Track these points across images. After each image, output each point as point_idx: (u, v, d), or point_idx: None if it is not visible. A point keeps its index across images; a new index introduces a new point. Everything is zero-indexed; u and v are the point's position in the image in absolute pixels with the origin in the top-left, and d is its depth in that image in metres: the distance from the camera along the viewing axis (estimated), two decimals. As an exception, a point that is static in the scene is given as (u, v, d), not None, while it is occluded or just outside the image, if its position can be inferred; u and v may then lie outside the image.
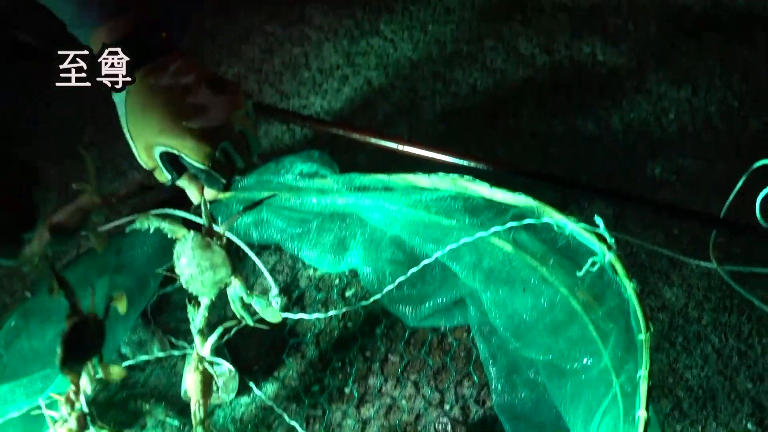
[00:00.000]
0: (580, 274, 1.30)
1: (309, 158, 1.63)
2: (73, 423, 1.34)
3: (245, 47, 2.22)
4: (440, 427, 1.45)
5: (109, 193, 1.26)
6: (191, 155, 1.32)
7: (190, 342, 1.64)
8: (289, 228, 1.67)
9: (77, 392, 1.32)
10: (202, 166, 1.34)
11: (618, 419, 1.18)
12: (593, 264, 1.28)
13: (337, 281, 1.71)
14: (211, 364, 1.42)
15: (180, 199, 1.51)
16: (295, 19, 2.26)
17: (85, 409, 1.34)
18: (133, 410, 1.40)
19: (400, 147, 1.72)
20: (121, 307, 1.40)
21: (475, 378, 1.52)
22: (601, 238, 1.27)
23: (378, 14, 2.23)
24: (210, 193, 1.45)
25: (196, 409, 1.42)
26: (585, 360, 1.32)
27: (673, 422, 1.45)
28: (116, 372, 1.38)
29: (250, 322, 1.40)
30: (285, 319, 1.60)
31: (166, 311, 1.53)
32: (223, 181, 1.40)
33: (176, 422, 1.53)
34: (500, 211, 1.42)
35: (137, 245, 1.30)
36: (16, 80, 2.01)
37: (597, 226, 1.27)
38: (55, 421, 1.34)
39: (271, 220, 1.68)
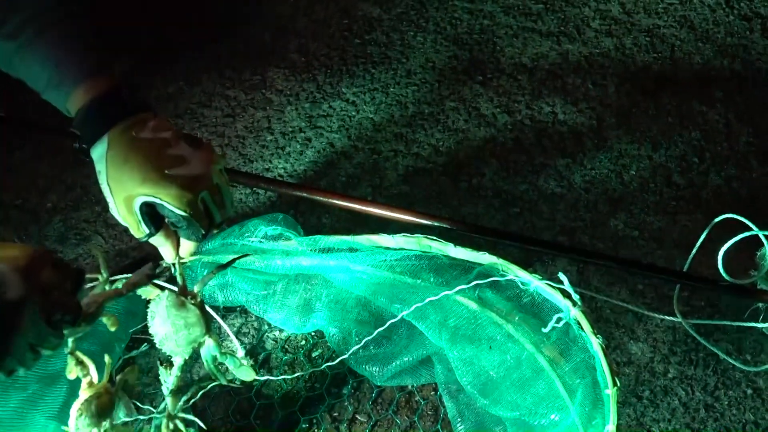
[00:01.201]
0: (546, 330, 1.31)
1: (273, 221, 1.63)
2: None
3: (207, 111, 2.23)
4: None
5: (124, 284, 1.27)
6: (173, 202, 1.32)
7: (156, 406, 1.63)
8: (254, 290, 1.66)
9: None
10: (183, 213, 1.33)
11: (588, 474, 1.18)
12: (559, 320, 1.29)
13: (303, 342, 1.71)
14: (185, 423, 1.41)
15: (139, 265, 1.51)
16: (257, 83, 2.28)
17: None
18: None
19: (364, 208, 1.73)
20: (131, 378, 1.46)
21: (444, 436, 1.52)
22: (566, 295, 1.28)
23: (339, 77, 2.25)
24: (184, 250, 1.45)
25: None
26: (552, 416, 1.32)
27: (641, 476, 1.45)
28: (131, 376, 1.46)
29: (223, 381, 1.39)
30: (252, 382, 1.59)
31: (126, 389, 1.52)
32: (203, 231, 1.40)
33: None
34: (465, 269, 1.43)
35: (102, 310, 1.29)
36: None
37: (561, 282, 1.28)
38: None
39: (236, 283, 1.68)
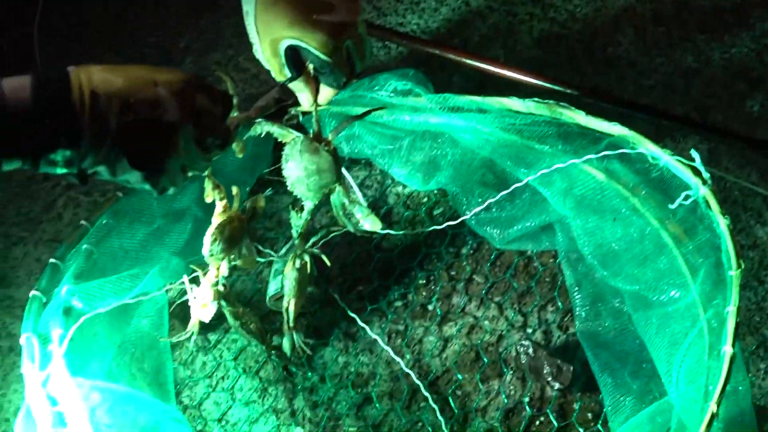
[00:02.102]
0: (672, 206, 1.29)
1: (404, 76, 1.62)
2: (209, 297, 1.41)
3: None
4: (521, 349, 1.44)
5: (253, 108, 1.28)
6: (319, 48, 1.32)
7: (277, 250, 1.66)
8: (380, 144, 1.67)
9: (217, 275, 1.41)
10: (328, 60, 1.33)
11: (703, 353, 1.17)
12: (686, 197, 1.27)
13: (425, 199, 1.71)
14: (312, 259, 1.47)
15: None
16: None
17: (221, 288, 1.42)
18: (218, 312, 1.43)
19: (496, 69, 1.71)
20: (260, 205, 1.48)
21: (560, 304, 1.51)
22: (696, 172, 1.26)
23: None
24: (322, 97, 1.45)
25: (288, 307, 1.47)
26: (672, 292, 1.31)
27: (757, 360, 1.43)
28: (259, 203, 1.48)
29: (351, 228, 1.40)
30: (373, 234, 1.61)
31: (254, 219, 1.53)
32: (344, 78, 1.40)
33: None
34: (594, 139, 1.41)
35: (228, 153, 1.30)
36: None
37: (692, 159, 1.25)
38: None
39: (363, 135, 1.68)
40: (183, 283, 1.43)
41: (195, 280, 1.42)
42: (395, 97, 1.61)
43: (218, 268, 1.40)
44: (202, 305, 1.41)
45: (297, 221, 1.44)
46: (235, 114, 1.23)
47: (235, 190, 1.41)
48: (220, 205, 1.40)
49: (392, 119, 1.60)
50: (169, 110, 1.05)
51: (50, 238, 1.85)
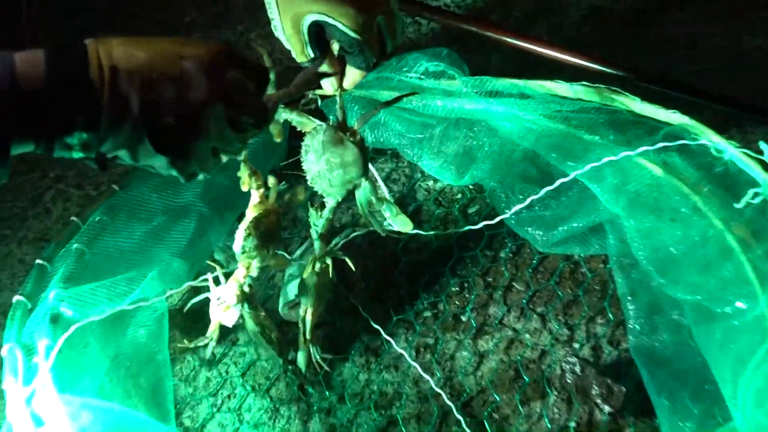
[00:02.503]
0: (738, 206, 1.28)
1: (436, 56, 1.62)
2: (233, 299, 1.39)
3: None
4: (567, 367, 1.44)
5: (293, 84, 1.27)
6: (348, 23, 1.31)
7: (292, 252, 1.65)
8: (409, 132, 1.66)
9: (245, 275, 1.40)
10: (357, 37, 1.33)
11: (773, 373, 1.16)
12: (755, 195, 1.25)
13: (459, 196, 1.71)
14: (333, 261, 1.46)
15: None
16: None
17: (246, 290, 1.41)
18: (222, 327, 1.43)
19: (539, 49, 1.70)
20: (297, 199, 1.51)
21: (611, 315, 1.50)
22: (766, 167, 1.24)
23: None
24: (348, 81, 1.44)
25: (305, 316, 1.47)
26: (739, 303, 1.29)
27: (834, 381, 1.42)
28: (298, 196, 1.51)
29: (379, 229, 1.39)
30: (399, 236, 1.60)
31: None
32: (374, 59, 1.39)
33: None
34: (650, 129, 1.40)
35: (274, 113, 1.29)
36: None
37: (761, 152, 1.24)
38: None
39: (389, 123, 1.68)
40: (184, 288, 1.44)
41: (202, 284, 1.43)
42: (426, 79, 1.60)
43: (248, 267, 1.39)
44: (225, 308, 1.40)
45: (317, 220, 1.42)
46: (271, 91, 1.22)
47: (272, 180, 1.40)
48: (256, 195, 1.40)
49: (422, 105, 1.60)
50: (196, 87, 1.04)
51: (37, 236, 1.85)
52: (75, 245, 1.49)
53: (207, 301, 1.42)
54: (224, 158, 1.16)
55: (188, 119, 1.05)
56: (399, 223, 1.38)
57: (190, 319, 1.48)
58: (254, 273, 1.40)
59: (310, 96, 1.60)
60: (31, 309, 1.40)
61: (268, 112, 1.17)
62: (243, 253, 1.38)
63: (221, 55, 1.08)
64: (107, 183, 1.58)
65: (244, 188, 1.38)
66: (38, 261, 1.47)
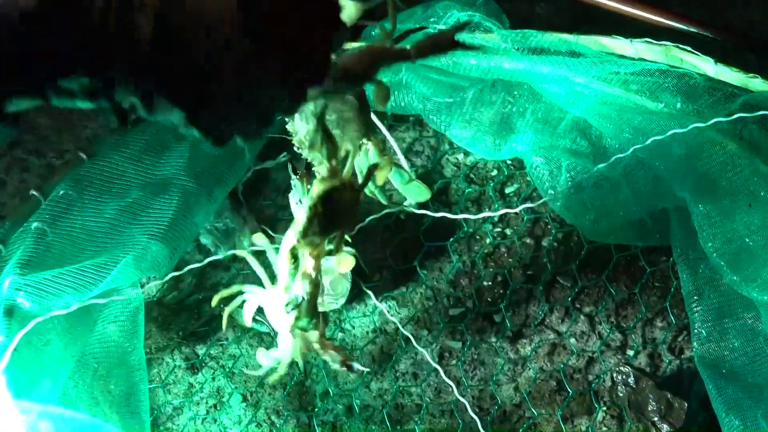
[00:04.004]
0: (830, 190, 1.29)
1: (470, 4, 1.62)
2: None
3: None
4: (619, 378, 1.45)
5: (414, 45, 1.21)
6: None
7: (293, 235, 1.64)
8: (435, 96, 1.66)
9: (316, 265, 1.23)
10: None
11: None
12: None
13: (494, 172, 1.72)
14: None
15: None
16: None
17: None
18: (209, 316, 1.42)
19: (596, -2, 1.71)
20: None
21: (672, 318, 1.52)
22: None
23: None
24: (344, 15, 1.43)
25: (303, 303, 1.42)
26: (825, 309, 1.31)
27: None
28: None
29: (384, 200, 1.38)
30: (422, 217, 1.61)
31: (262, 193, 1.54)
32: None
33: (265, 328, 1.56)
34: (726, 96, 1.41)
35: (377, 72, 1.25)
36: None
37: None
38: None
39: (411, 84, 1.68)
40: (164, 279, 1.42)
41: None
42: (458, 32, 1.61)
43: (317, 257, 1.23)
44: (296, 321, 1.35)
45: (303, 195, 1.36)
46: (356, 45, 1.17)
47: (349, 146, 1.33)
48: (324, 167, 1.28)
49: (452, 63, 1.60)
50: (227, 21, 0.92)
51: (-12, 213, 1.87)
52: (35, 224, 1.48)
53: (194, 291, 1.40)
54: (273, 118, 1.07)
55: (216, 63, 0.94)
56: (412, 192, 1.35)
57: (171, 311, 1.48)
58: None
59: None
60: (-20, 299, 1.41)
61: (329, 66, 1.09)
62: (304, 238, 1.21)
63: None
64: (73, 150, 1.58)
65: (307, 155, 1.28)
66: (-10, 242, 1.47)
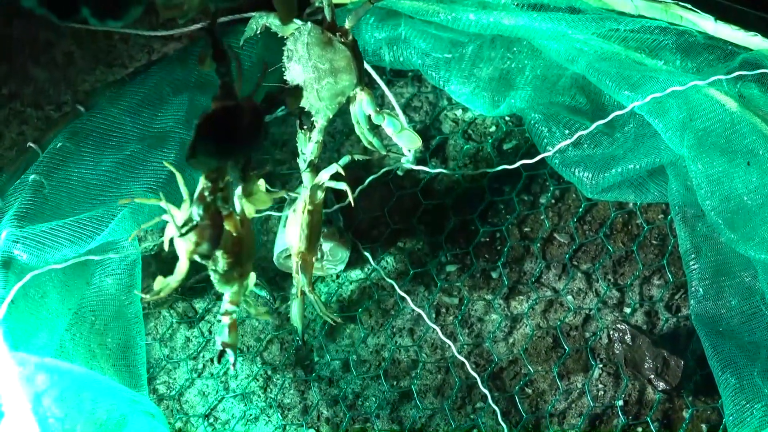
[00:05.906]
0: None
1: (471, -43, 1.62)
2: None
3: None
4: (616, 335, 1.45)
5: None
6: None
7: (290, 190, 1.64)
8: (434, 51, 1.66)
9: (214, 190, 1.13)
10: None
11: None
12: None
13: (493, 128, 1.73)
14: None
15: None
16: None
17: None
18: (206, 277, 1.41)
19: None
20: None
21: (670, 276, 1.52)
22: None
23: None
24: None
25: (298, 268, 1.44)
26: (824, 266, 1.31)
27: None
28: (262, 198, 1.32)
29: (381, 149, 1.38)
30: (419, 175, 1.61)
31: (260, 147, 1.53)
32: None
33: (264, 293, 1.57)
34: (726, 54, 1.42)
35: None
36: None
37: None
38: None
39: (410, 39, 1.67)
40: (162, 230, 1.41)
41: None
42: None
43: (213, 181, 1.15)
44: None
45: (305, 145, 1.40)
46: None
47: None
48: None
49: (452, 18, 1.59)
50: None
51: (-15, 165, 1.86)
52: (32, 176, 1.49)
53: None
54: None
55: None
56: (405, 139, 1.35)
57: (168, 266, 1.48)
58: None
59: (317, 4, 1.60)
60: (-23, 252, 1.41)
61: None
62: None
63: None
64: (71, 103, 1.58)
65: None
66: (-13, 194, 1.47)
